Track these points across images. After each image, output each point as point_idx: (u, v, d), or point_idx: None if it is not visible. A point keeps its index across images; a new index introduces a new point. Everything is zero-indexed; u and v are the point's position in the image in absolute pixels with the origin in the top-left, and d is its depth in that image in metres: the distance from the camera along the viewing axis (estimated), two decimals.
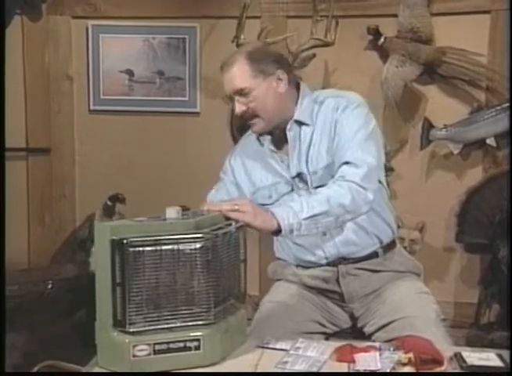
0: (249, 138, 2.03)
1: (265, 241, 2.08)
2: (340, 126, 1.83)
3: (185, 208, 1.62)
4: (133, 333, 1.41)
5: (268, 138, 1.95)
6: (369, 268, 1.93)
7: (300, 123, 1.89)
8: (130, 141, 3.60)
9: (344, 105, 1.85)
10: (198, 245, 1.41)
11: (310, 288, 1.97)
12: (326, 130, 1.86)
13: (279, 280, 2.06)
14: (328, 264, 1.94)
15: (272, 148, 1.95)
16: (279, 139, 1.93)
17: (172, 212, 1.54)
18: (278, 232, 1.66)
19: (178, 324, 1.43)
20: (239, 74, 1.83)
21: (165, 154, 3.57)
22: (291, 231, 1.66)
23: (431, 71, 3.20)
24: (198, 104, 3.52)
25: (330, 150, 1.84)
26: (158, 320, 1.42)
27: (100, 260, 1.41)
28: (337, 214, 1.71)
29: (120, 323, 1.41)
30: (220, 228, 1.49)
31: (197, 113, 3.53)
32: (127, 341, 1.41)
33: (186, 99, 3.55)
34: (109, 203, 3.29)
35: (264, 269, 2.19)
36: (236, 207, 1.59)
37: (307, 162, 1.87)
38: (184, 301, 1.43)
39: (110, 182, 3.52)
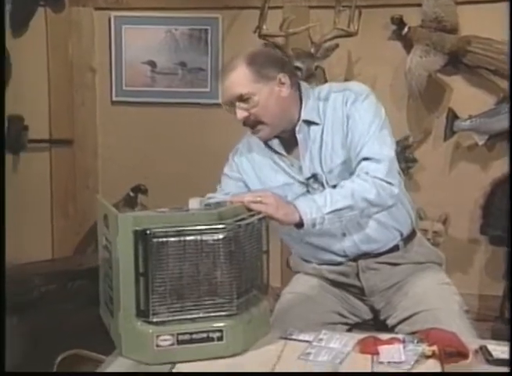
0: (253, 137, 1.95)
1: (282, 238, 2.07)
2: (353, 121, 1.81)
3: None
4: (156, 323, 1.42)
5: (275, 141, 1.90)
6: (389, 261, 1.92)
7: (308, 123, 1.85)
8: (152, 132, 3.62)
9: (353, 98, 1.81)
10: (221, 236, 1.42)
11: (330, 281, 1.97)
12: (338, 126, 1.83)
13: (299, 272, 2.06)
14: (347, 259, 1.93)
15: (281, 152, 1.90)
16: (288, 142, 1.89)
17: (195, 203, 1.55)
18: (300, 225, 1.66)
19: (201, 315, 1.44)
20: (240, 79, 1.77)
21: (187, 146, 3.59)
22: (314, 225, 1.66)
23: (456, 61, 3.17)
24: (220, 95, 3.53)
25: (345, 145, 1.82)
26: (181, 311, 1.43)
27: (123, 251, 1.42)
28: (361, 208, 1.71)
29: (143, 314, 1.42)
30: (243, 219, 1.49)
31: (219, 105, 3.53)
32: (150, 331, 1.42)
33: (208, 90, 3.56)
34: (131, 194, 3.33)
35: (285, 261, 2.20)
36: (259, 198, 1.59)
37: (320, 162, 1.84)
38: (207, 292, 1.44)
39: (133, 173, 3.55)
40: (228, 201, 1.60)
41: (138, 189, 3.34)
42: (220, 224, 1.43)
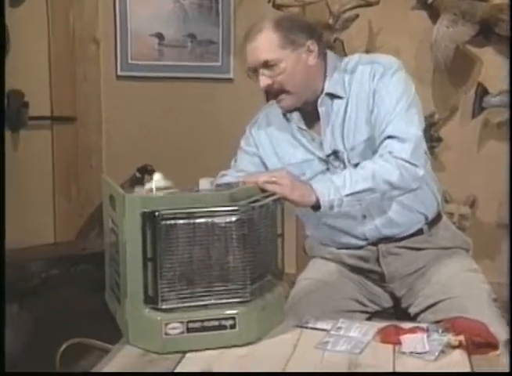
0: (272, 108, 1.97)
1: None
2: (379, 96, 1.80)
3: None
4: (165, 310, 1.43)
5: (295, 114, 1.90)
6: (412, 246, 1.93)
7: (332, 96, 1.85)
8: (159, 109, 3.63)
9: (381, 72, 1.81)
10: (233, 218, 1.43)
11: (348, 266, 1.97)
12: (363, 101, 1.82)
13: (315, 257, 2.07)
14: (367, 243, 1.94)
15: (302, 126, 1.90)
16: (309, 116, 1.89)
17: (205, 184, 1.55)
18: (317, 207, 1.66)
19: (213, 301, 1.45)
20: (266, 44, 1.77)
21: (197, 123, 3.59)
22: (331, 207, 1.67)
23: (487, 31, 3.12)
24: (231, 70, 3.53)
25: (369, 122, 1.82)
26: (191, 297, 1.44)
27: (130, 234, 1.43)
28: (382, 191, 1.71)
29: (151, 300, 1.43)
30: (256, 200, 1.50)
31: (230, 80, 3.53)
32: (159, 318, 1.43)
33: (219, 64, 3.55)
34: (138, 174, 3.34)
35: (301, 246, 2.20)
36: (274, 178, 1.60)
37: (342, 138, 1.84)
38: (218, 278, 1.45)
39: (139, 152, 3.56)
40: (241, 182, 1.60)
41: (145, 170, 3.35)
42: (232, 206, 1.44)
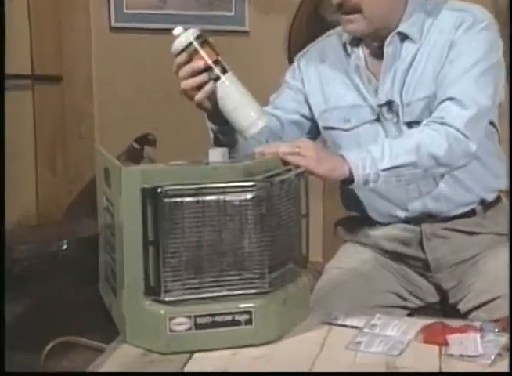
0: (331, 39, 2.00)
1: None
2: (458, 51, 1.80)
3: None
4: (169, 303, 1.44)
5: (357, 49, 1.92)
6: (462, 229, 1.93)
7: (404, 37, 1.86)
8: (161, 67, 3.59)
9: (469, 23, 1.81)
10: (249, 195, 1.43)
11: (386, 252, 1.99)
12: (437, 51, 1.84)
13: (348, 241, 2.08)
14: (408, 221, 1.95)
15: (360, 64, 1.92)
16: (372, 54, 1.91)
17: (217, 155, 1.56)
18: (349, 182, 1.68)
19: (225, 293, 1.46)
20: None
21: None
22: (366, 182, 1.68)
23: None
24: (247, 21, 3.52)
25: (437, 78, 1.82)
26: (200, 288, 1.45)
27: (129, 213, 1.44)
28: (426, 166, 1.72)
29: (153, 291, 1.44)
30: (276, 174, 1.50)
31: (246, 33, 3.53)
32: (162, 312, 1.44)
33: (232, 13, 3.55)
34: (136, 145, 3.34)
35: (328, 229, 2.21)
36: (297, 149, 1.61)
37: (401, 89, 1.86)
38: (232, 265, 1.46)
39: (137, 118, 3.57)
40: (258, 152, 1.62)
41: (145, 140, 3.35)
42: (248, 181, 1.44)
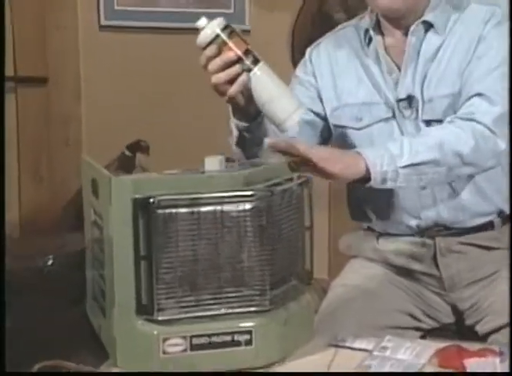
0: (346, 30, 2.03)
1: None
2: (487, 46, 1.83)
3: (230, 160, 1.65)
4: (163, 322, 1.45)
5: (378, 38, 1.95)
6: (479, 243, 1.94)
7: (428, 27, 1.90)
8: (154, 68, 3.64)
9: (499, 18, 1.84)
10: (248, 206, 1.44)
11: (396, 269, 2.00)
12: (463, 46, 1.86)
13: (355, 257, 2.10)
14: (421, 233, 1.96)
15: (382, 51, 1.94)
16: (394, 44, 1.94)
17: (213, 163, 1.56)
18: (365, 180, 1.69)
19: (223, 311, 1.47)
20: None
21: (202, 86, 3.58)
22: (383, 181, 1.69)
23: None
24: (247, 19, 3.53)
25: (462, 74, 1.85)
26: (196, 306, 1.46)
27: (119, 226, 1.44)
28: (450, 164, 1.72)
29: (145, 310, 1.44)
30: (277, 183, 1.51)
31: (246, 32, 3.53)
32: (155, 332, 1.45)
33: (231, 11, 3.56)
34: (127, 153, 3.35)
35: (335, 244, 2.22)
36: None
37: (423, 83, 1.88)
38: (230, 281, 1.46)
39: (129, 123, 3.57)
40: (270, 143, 1.64)
41: (138, 147, 3.35)
42: (247, 190, 1.45)
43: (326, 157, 1.62)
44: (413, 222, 1.95)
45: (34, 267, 3.00)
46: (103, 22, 3.65)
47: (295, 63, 3.33)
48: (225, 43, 1.66)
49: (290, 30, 3.43)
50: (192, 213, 1.44)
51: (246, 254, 1.46)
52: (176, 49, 3.60)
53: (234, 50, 1.66)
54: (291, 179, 1.56)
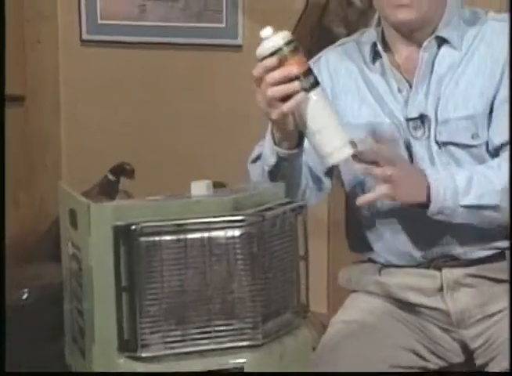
0: (347, 46, 2.06)
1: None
2: None
3: (218, 184, 1.66)
4: (147, 359, 1.45)
5: (388, 53, 1.97)
6: (490, 276, 1.95)
7: (442, 42, 1.93)
8: (141, 86, 3.65)
9: None
10: (238, 232, 1.45)
11: (401, 303, 2.00)
12: (486, 67, 1.89)
13: (355, 291, 2.10)
14: (427, 265, 1.97)
15: (392, 67, 1.96)
16: (405, 60, 1.96)
17: (200, 188, 1.57)
18: (421, 205, 1.74)
19: (213, 347, 1.47)
20: None
21: (192, 105, 3.61)
22: (439, 213, 1.75)
23: None
24: (240, 34, 3.55)
25: (484, 94, 1.88)
26: (183, 341, 1.46)
27: (99, 256, 1.45)
28: (505, 212, 1.78)
29: (128, 346, 1.45)
30: (269, 209, 1.51)
31: (239, 47, 3.55)
32: (139, 370, 1.45)
33: (223, 25, 3.58)
34: (110, 177, 3.34)
35: (334, 276, 2.22)
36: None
37: (437, 102, 1.90)
38: (220, 314, 1.46)
39: (112, 146, 3.57)
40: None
41: (121, 170, 3.34)
42: (237, 215, 1.46)
43: (400, 176, 1.69)
44: (419, 253, 1.96)
45: (7, 301, 2.98)
46: (85, 36, 3.65)
47: None
48: (287, 58, 1.65)
49: None
50: (178, 240, 1.44)
51: (237, 283, 1.46)
52: (165, 66, 3.62)
53: (295, 67, 1.66)
54: (284, 204, 1.57)
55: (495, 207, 1.76)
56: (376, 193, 1.76)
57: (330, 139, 1.69)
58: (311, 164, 1.97)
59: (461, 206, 1.75)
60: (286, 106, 1.66)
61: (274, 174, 1.85)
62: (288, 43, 1.66)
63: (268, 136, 1.83)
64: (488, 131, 1.88)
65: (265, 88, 1.67)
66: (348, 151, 1.69)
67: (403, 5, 1.87)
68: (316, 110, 1.69)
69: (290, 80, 1.65)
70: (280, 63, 1.65)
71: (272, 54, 1.65)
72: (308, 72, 1.68)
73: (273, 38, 1.66)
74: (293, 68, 1.65)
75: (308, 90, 1.66)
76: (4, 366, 1.56)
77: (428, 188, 1.73)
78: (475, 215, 1.77)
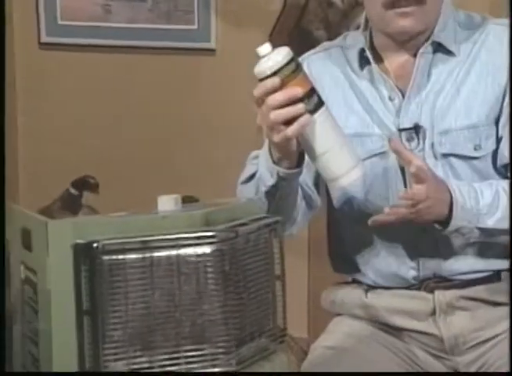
0: (331, 51, 2.08)
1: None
2: None
3: (190, 199, 1.66)
4: None
5: (378, 60, 1.99)
6: (485, 298, 1.97)
7: (438, 48, 1.95)
8: (105, 93, 3.65)
9: None
10: (208, 249, 1.44)
11: (389, 328, 2.01)
12: (488, 74, 1.92)
13: (339, 314, 2.11)
14: (418, 286, 1.98)
15: (383, 74, 1.97)
16: (398, 66, 1.98)
17: (168, 202, 1.57)
18: (438, 223, 1.77)
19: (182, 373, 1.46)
20: None
21: (161, 113, 3.61)
22: (454, 232, 1.79)
23: None
24: (213, 36, 3.56)
25: (487, 103, 1.90)
26: (150, 368, 1.45)
27: (57, 278, 1.44)
28: None
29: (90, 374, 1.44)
30: (242, 224, 1.51)
31: (212, 51, 3.56)
32: None
33: (195, 27, 3.59)
34: (72, 191, 3.33)
35: (316, 298, 2.22)
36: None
37: (433, 112, 1.92)
38: (190, 338, 1.46)
39: (74, 157, 3.56)
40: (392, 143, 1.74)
41: (84, 184, 3.34)
42: (207, 231, 1.45)
43: (429, 195, 1.71)
44: (409, 273, 1.97)
45: None
46: (44, 39, 3.64)
47: None
48: (288, 77, 1.66)
49: None
50: (144, 259, 1.43)
51: (208, 305, 1.46)
52: (132, 71, 3.63)
53: (299, 88, 1.66)
54: (258, 219, 1.56)
55: (507, 232, 1.80)
56: (395, 216, 1.77)
57: (338, 161, 1.71)
58: (301, 181, 1.97)
59: (478, 229, 1.79)
60: (291, 130, 1.67)
61: (272, 194, 1.86)
62: (289, 62, 1.66)
63: (265, 155, 1.84)
64: (495, 144, 1.91)
65: (266, 111, 1.67)
66: (358, 172, 1.71)
67: (406, 12, 1.89)
68: (322, 132, 1.69)
69: (295, 101, 1.66)
70: (282, 84, 1.66)
71: (272, 74, 1.66)
72: (312, 92, 1.68)
73: (273, 56, 1.67)
74: (297, 89, 1.66)
75: (312, 112, 1.67)
76: (4, 366, 1.56)
77: (449, 208, 1.76)
78: (491, 236, 1.81)
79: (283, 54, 1.67)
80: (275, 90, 1.65)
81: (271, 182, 1.84)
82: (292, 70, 1.66)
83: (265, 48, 1.68)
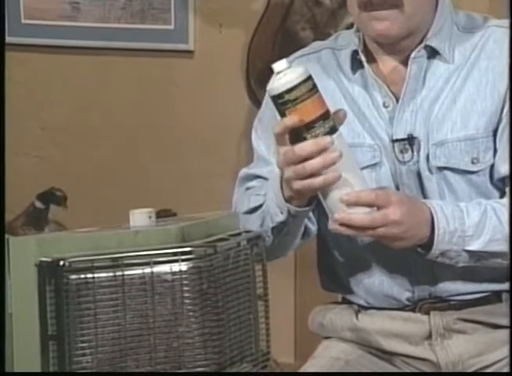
0: (322, 54, 2.07)
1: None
2: None
3: (167, 213, 1.65)
4: None
5: (371, 64, 1.99)
6: (484, 320, 1.97)
7: (432, 53, 1.95)
8: (74, 98, 3.65)
9: None
10: (185, 266, 1.44)
11: (382, 353, 2.01)
12: (488, 81, 1.92)
13: (328, 338, 2.11)
14: (412, 307, 1.98)
15: (377, 79, 1.97)
16: (391, 70, 1.98)
17: (141, 217, 1.57)
18: (420, 247, 1.78)
19: None
20: None
21: (135, 120, 3.61)
22: (439, 256, 1.79)
23: None
24: (191, 37, 3.56)
25: (487, 113, 1.90)
26: None
27: (20, 300, 1.44)
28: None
29: None
30: (221, 239, 1.52)
31: (190, 52, 3.56)
32: None
33: (171, 27, 3.59)
34: (38, 204, 3.33)
35: (303, 321, 2.23)
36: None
37: (428, 123, 1.92)
38: (165, 363, 1.46)
39: (39, 168, 3.56)
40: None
41: (51, 197, 3.33)
42: (183, 246, 1.45)
43: (397, 220, 1.71)
44: (403, 294, 1.97)
45: None
46: (7, 39, 3.62)
47: (251, 93, 3.37)
48: (304, 97, 1.66)
49: (245, 51, 3.45)
50: (115, 277, 1.43)
51: (184, 327, 1.46)
52: (103, 75, 3.63)
53: (314, 108, 1.67)
54: (238, 234, 1.57)
55: (503, 255, 1.79)
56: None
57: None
58: None
59: (466, 251, 1.79)
60: (319, 183, 1.69)
61: (279, 230, 1.88)
62: (305, 80, 1.67)
63: (276, 191, 1.84)
64: (493, 158, 1.91)
65: (293, 158, 1.68)
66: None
67: (380, 16, 1.89)
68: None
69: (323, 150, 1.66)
70: (295, 105, 1.65)
71: (286, 92, 1.66)
72: (328, 114, 1.69)
73: (288, 73, 1.67)
74: (326, 138, 1.66)
75: (328, 135, 1.68)
76: (4, 366, 1.55)
77: (431, 230, 1.76)
78: (480, 259, 1.81)
79: (299, 72, 1.67)
80: (295, 125, 1.66)
81: (280, 218, 1.85)
82: (308, 90, 1.66)
83: (281, 65, 1.68)
